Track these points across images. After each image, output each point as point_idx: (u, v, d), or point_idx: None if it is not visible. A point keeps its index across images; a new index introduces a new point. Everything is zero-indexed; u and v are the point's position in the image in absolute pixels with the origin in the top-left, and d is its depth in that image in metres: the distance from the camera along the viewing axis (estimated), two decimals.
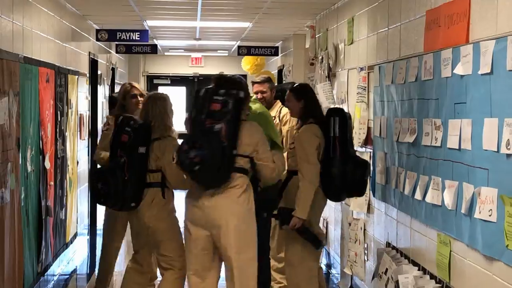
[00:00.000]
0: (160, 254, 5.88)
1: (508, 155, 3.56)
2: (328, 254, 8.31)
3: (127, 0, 8.39)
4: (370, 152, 6.36)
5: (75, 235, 8.95)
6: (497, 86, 3.71)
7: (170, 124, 5.95)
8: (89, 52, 10.42)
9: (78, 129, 9.17)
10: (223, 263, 5.43)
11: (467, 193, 4.05)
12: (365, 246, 6.52)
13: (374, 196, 6.21)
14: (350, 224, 6.89)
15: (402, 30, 5.51)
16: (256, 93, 7.19)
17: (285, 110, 7.14)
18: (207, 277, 5.39)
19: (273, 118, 7.12)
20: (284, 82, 12.62)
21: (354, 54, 7.20)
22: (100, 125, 11.05)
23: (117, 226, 6.73)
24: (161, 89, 18.83)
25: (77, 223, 9.11)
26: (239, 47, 13.43)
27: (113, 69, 13.27)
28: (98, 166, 6.93)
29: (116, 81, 13.71)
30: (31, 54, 6.54)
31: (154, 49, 13.47)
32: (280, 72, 13.65)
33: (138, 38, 10.97)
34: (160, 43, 14.44)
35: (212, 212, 5.26)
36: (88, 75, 10.20)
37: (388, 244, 5.80)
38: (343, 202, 7.31)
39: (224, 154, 5.14)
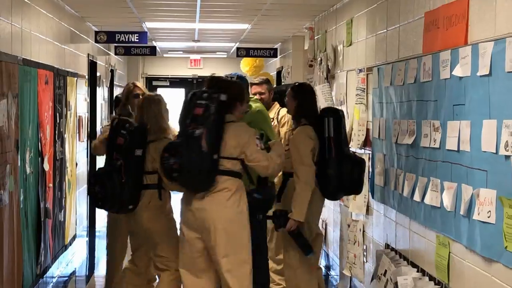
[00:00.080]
0: (157, 255, 5.88)
1: (506, 157, 3.56)
2: (327, 255, 8.31)
3: (126, 2, 8.39)
4: (369, 153, 6.36)
5: (74, 237, 8.95)
6: (495, 88, 3.72)
7: (166, 125, 5.96)
8: (88, 54, 10.42)
9: (77, 131, 9.17)
10: None
11: (466, 195, 4.05)
12: (364, 248, 6.53)
13: (373, 197, 6.21)
14: (349, 226, 6.89)
15: (401, 31, 5.52)
16: (255, 94, 7.22)
17: (283, 111, 7.16)
18: (202, 277, 5.39)
19: (271, 119, 7.15)
20: (283, 83, 12.62)
21: (353, 55, 7.21)
22: (99, 127, 11.05)
23: (120, 226, 6.72)
24: (160, 91, 18.82)
25: (76, 225, 9.11)
26: (238, 48, 13.43)
27: (112, 71, 13.28)
28: (97, 168, 6.92)
29: (115, 83, 13.71)
30: (30, 56, 6.54)
31: (153, 51, 13.48)
32: (279, 73, 13.65)
33: (137, 40, 10.98)
34: (159, 45, 14.45)
35: (201, 215, 5.27)
36: (87, 77, 10.20)
37: (387, 246, 5.80)
38: (342, 203, 7.32)
39: (203, 159, 5.13)
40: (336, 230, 7.72)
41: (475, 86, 3.96)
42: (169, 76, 19.42)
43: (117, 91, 14.01)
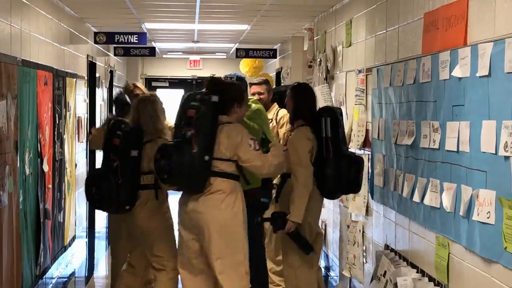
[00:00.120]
0: (153, 255, 5.89)
1: (506, 157, 3.56)
2: (327, 256, 8.31)
3: (125, 2, 8.39)
4: (369, 154, 6.36)
5: (74, 238, 8.95)
6: (495, 89, 3.72)
7: (161, 126, 5.97)
8: (87, 55, 10.42)
9: (76, 132, 9.17)
10: None
11: (465, 195, 4.05)
12: (364, 249, 6.52)
13: (372, 198, 6.21)
14: (348, 227, 6.89)
15: (400, 32, 5.52)
16: (253, 94, 7.26)
17: (282, 112, 7.19)
18: (200, 278, 5.38)
19: (270, 120, 7.17)
20: (282, 84, 12.63)
21: (352, 56, 7.21)
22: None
23: (121, 228, 6.71)
24: (160, 92, 18.83)
25: (75, 225, 9.11)
26: (237, 49, 13.44)
27: (111, 72, 13.27)
28: (96, 167, 6.91)
29: (114, 83, 13.70)
30: (29, 57, 6.54)
31: (152, 51, 13.48)
32: (278, 74, 13.65)
33: (136, 41, 10.98)
34: (158, 45, 14.45)
35: (196, 217, 5.27)
36: (86, 77, 10.20)
37: (387, 247, 5.80)
38: (342, 204, 7.32)
39: (193, 161, 5.13)
40: (336, 231, 7.72)
41: (475, 86, 3.96)
42: (169, 77, 19.41)
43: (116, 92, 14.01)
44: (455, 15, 4.28)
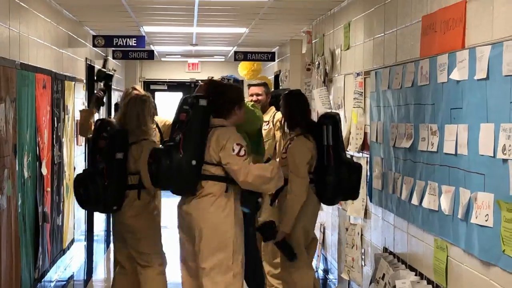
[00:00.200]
0: (139, 252, 5.92)
1: (504, 160, 3.56)
2: (326, 259, 8.31)
3: (124, 6, 8.39)
4: (367, 157, 6.36)
5: (72, 241, 8.95)
6: (493, 92, 3.72)
7: (147, 127, 5.98)
8: (86, 58, 10.42)
9: (75, 135, 9.17)
10: None
11: (463, 198, 4.05)
12: (362, 251, 6.53)
13: (371, 201, 6.22)
14: (347, 229, 6.89)
15: (398, 35, 5.52)
16: (252, 95, 7.29)
17: (278, 115, 7.20)
18: (195, 278, 5.39)
19: (267, 122, 7.20)
20: (280, 87, 12.64)
21: (350, 59, 7.21)
22: None
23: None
24: (158, 95, 18.86)
25: (74, 229, 9.10)
26: (235, 52, 13.44)
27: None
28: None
29: (113, 87, 13.70)
30: (27, 61, 6.55)
31: (150, 55, 13.48)
32: (276, 77, 13.66)
33: (135, 44, 10.98)
34: (156, 49, 14.45)
35: (188, 219, 5.31)
36: (85, 81, 10.21)
37: (385, 249, 5.80)
38: (340, 207, 7.32)
39: (181, 165, 5.13)
40: (334, 234, 7.72)
41: (473, 89, 3.97)
42: (167, 80, 19.42)
43: (115, 95, 14.03)
44: (453, 18, 4.28)
